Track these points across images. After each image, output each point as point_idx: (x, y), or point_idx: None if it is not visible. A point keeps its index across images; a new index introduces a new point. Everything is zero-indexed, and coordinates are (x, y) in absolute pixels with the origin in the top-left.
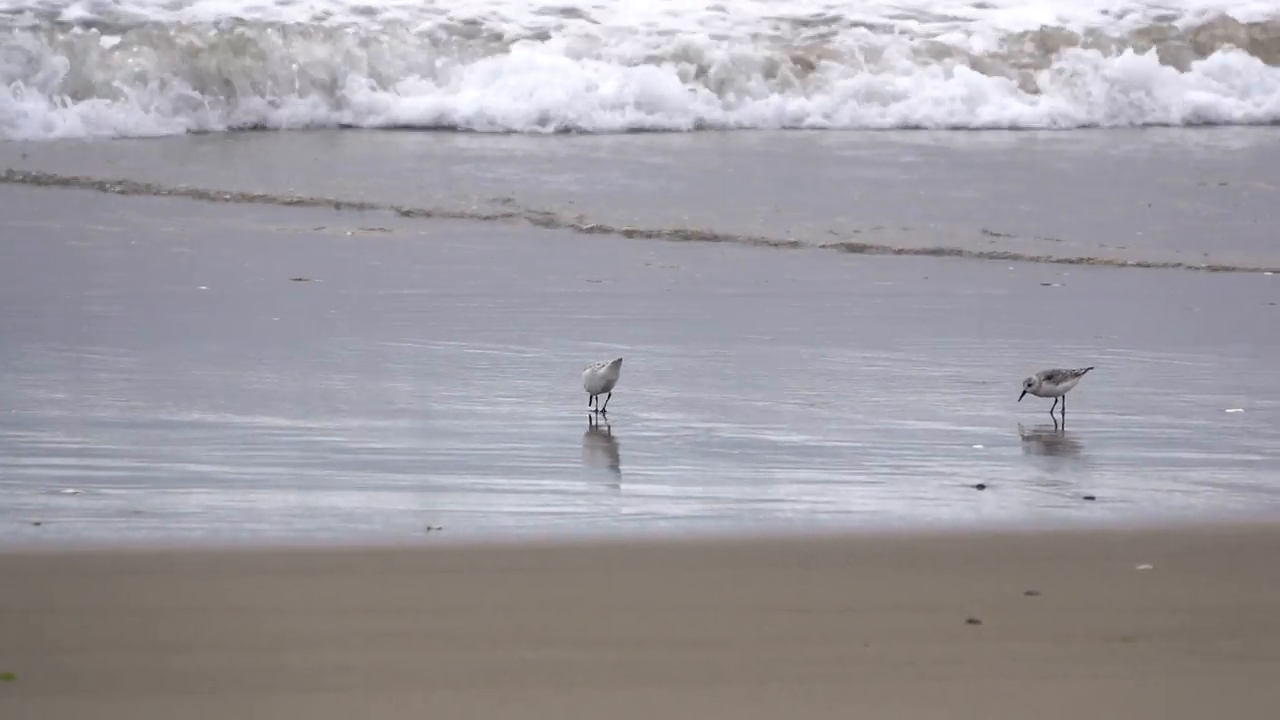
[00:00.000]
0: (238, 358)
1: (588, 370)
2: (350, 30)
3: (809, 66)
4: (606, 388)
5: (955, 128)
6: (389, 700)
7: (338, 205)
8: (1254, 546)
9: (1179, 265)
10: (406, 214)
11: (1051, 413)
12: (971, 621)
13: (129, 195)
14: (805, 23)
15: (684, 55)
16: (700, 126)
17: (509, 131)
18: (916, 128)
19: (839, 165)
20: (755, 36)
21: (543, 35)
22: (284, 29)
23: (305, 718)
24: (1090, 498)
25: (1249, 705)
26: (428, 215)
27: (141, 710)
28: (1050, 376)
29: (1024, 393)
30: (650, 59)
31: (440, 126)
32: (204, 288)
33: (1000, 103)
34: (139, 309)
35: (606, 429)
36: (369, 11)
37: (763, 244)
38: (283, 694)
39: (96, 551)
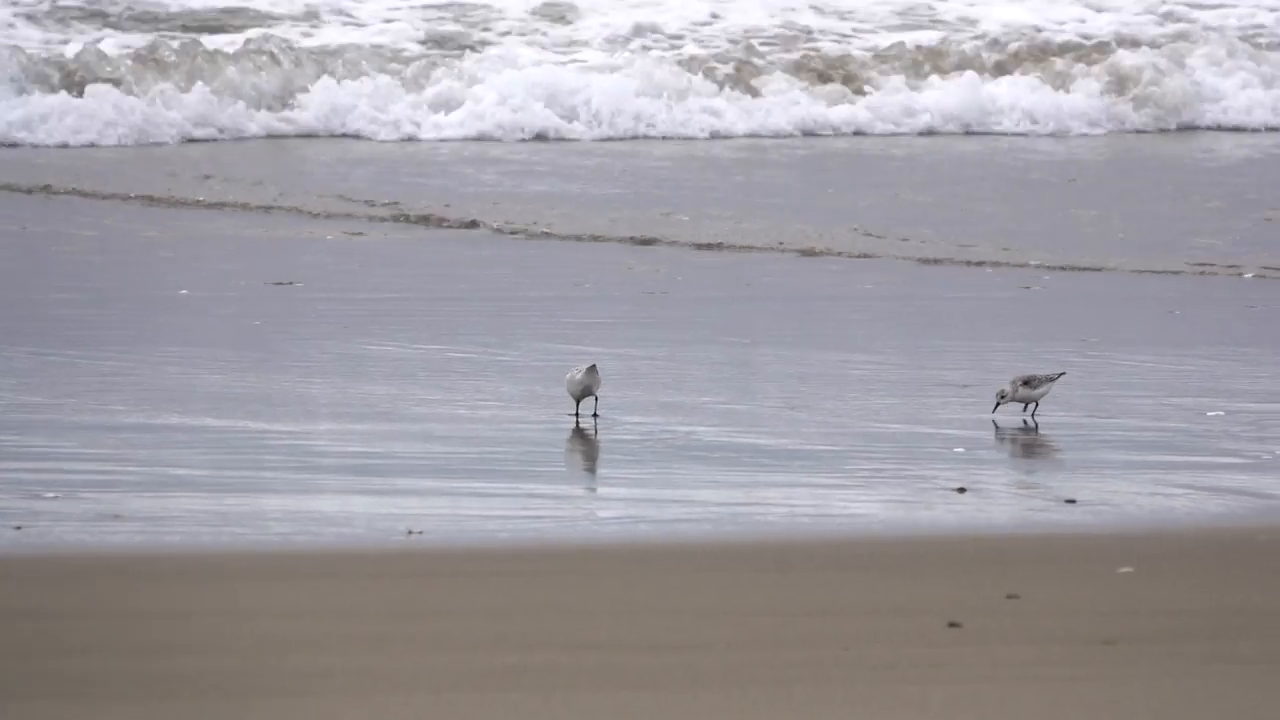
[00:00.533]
0: (218, 362)
1: (568, 375)
2: (336, 45)
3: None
4: (587, 392)
5: (952, 134)
6: (370, 704)
7: (314, 213)
8: (1235, 549)
9: (1160, 269)
10: (386, 220)
11: (1032, 417)
12: (952, 625)
13: (105, 200)
14: (786, 32)
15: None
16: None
17: (483, 139)
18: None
19: (842, 171)
20: (744, 39)
21: (528, 37)
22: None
23: None
24: (1071, 501)
25: (1230, 708)
26: (406, 220)
27: (123, 714)
28: (1027, 382)
29: (997, 404)
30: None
31: (415, 137)
32: (184, 291)
33: (1006, 106)
34: (119, 313)
35: (592, 432)
36: (352, 15)
37: (745, 249)
38: (264, 698)
39: (77, 555)
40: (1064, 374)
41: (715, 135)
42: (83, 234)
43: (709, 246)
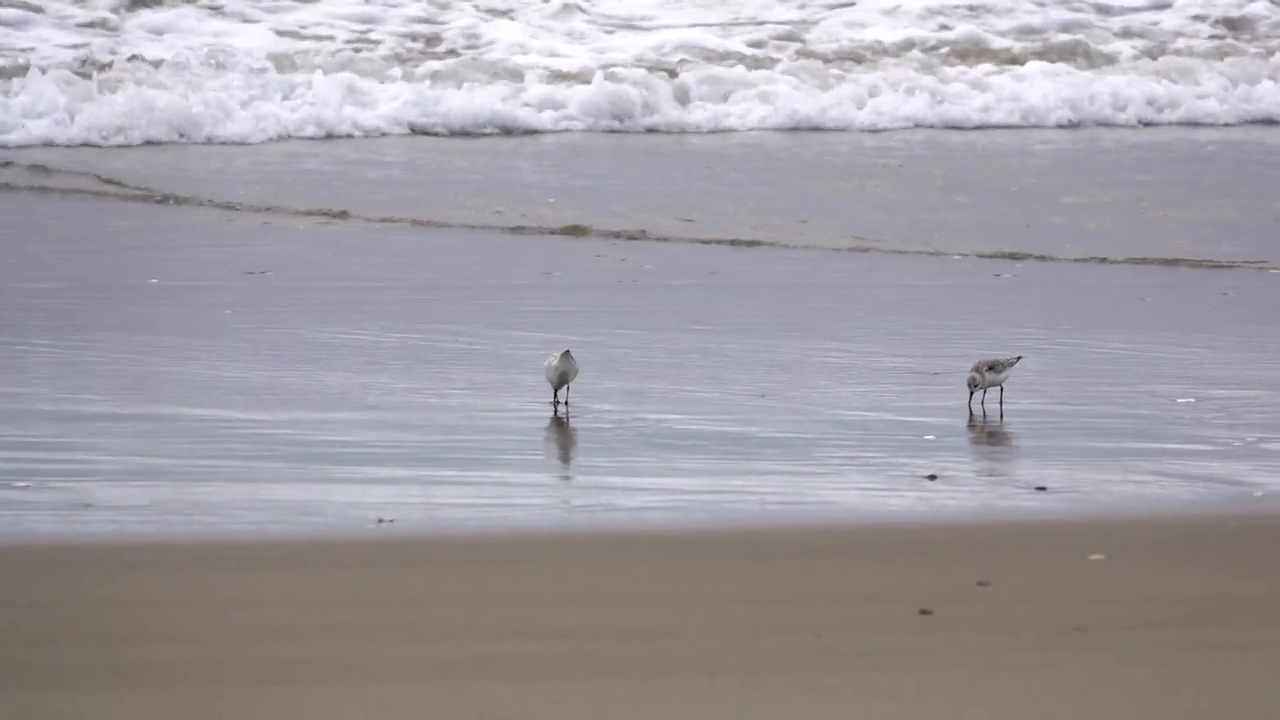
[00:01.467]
0: (189, 351)
1: (546, 363)
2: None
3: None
4: (563, 380)
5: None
6: (341, 693)
7: (281, 210)
8: (1205, 536)
9: (1131, 257)
10: (358, 216)
11: (998, 404)
12: (924, 612)
13: (73, 192)
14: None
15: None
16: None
17: (454, 134)
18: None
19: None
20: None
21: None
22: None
23: (257, 710)
24: (1042, 488)
25: (1201, 694)
26: (383, 216)
27: (93, 703)
28: (993, 366)
29: (972, 393)
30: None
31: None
32: (154, 281)
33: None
34: (90, 303)
35: (563, 420)
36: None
37: (720, 242)
38: (235, 687)
39: (48, 544)
40: (1021, 358)
41: (672, 131)
42: (50, 224)
43: (681, 239)
